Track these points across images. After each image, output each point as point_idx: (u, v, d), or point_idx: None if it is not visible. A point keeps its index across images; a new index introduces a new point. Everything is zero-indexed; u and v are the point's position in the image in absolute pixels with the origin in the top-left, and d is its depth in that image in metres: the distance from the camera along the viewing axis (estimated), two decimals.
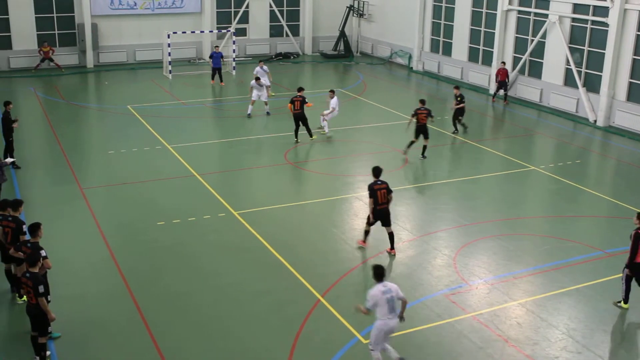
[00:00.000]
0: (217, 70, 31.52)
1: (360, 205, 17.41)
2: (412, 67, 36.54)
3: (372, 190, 14.55)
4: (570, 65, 27.45)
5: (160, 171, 19.92)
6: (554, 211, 18.06)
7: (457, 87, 24.79)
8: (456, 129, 24.41)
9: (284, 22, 39.75)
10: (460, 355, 11.39)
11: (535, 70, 29.46)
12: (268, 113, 26.25)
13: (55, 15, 34.02)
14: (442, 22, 34.60)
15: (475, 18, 32.43)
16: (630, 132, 24.89)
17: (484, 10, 31.76)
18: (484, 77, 31.70)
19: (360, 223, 16.05)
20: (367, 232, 15.15)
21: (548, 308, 12.89)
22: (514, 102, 29.36)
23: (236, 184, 19.41)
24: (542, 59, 28.91)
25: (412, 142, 21.47)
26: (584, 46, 26.87)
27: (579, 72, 27.12)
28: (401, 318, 10.70)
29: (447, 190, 19.17)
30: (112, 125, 25.06)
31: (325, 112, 23.86)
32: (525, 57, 29.58)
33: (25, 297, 11.50)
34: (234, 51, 34.78)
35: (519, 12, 29.85)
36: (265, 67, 28.30)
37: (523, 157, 21.88)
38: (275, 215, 17.02)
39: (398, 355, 10.70)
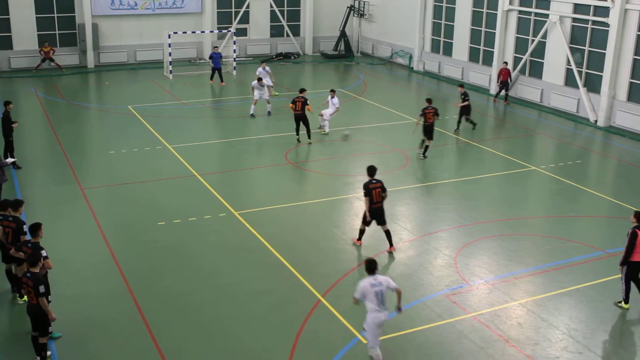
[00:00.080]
0: (217, 70, 31.55)
1: (361, 206, 17.36)
2: (412, 67, 36.54)
3: (368, 189, 14.63)
4: (570, 66, 27.44)
5: (160, 171, 19.92)
6: (554, 211, 18.05)
7: (461, 86, 24.95)
8: (458, 128, 24.53)
9: (284, 22, 39.75)
10: (461, 355, 11.39)
11: (535, 70, 29.45)
12: (269, 113, 26.25)
13: (55, 15, 34.03)
14: (443, 22, 34.60)
15: (476, 18, 32.43)
16: (630, 132, 24.88)
17: (485, 10, 31.76)
18: (485, 77, 31.69)
19: (361, 223, 16.02)
20: (362, 231, 15.21)
21: (549, 308, 12.89)
22: (515, 102, 29.35)
23: (237, 184, 19.41)
24: (543, 59, 28.91)
25: (423, 141, 21.64)
26: (585, 46, 26.86)
27: (580, 72, 27.11)
28: (399, 309, 10.83)
29: (448, 190, 19.17)
30: (112, 126, 25.06)
31: (325, 111, 23.88)
32: (525, 57, 29.57)
33: (25, 297, 11.52)
34: (234, 51, 34.80)
35: (520, 12, 29.84)
36: (267, 68, 28.34)
37: (524, 157, 21.88)
38: (276, 215, 17.02)
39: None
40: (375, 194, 14.63)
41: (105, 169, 20.28)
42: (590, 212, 18.03)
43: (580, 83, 27.01)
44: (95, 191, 18.35)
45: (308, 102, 22.53)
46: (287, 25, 39.89)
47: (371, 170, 14.89)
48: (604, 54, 25.83)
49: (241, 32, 38.44)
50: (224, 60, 33.80)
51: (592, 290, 13.56)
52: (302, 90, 22.90)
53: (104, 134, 24.36)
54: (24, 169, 19.73)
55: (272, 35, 39.71)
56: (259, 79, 26.07)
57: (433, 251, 15.24)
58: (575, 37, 27.30)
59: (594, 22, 26.33)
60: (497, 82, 29.65)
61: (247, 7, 38.36)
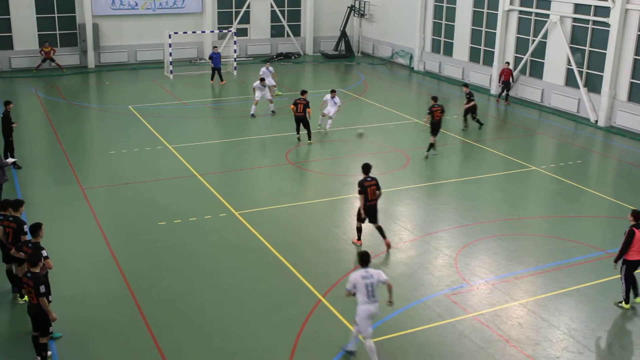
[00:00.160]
0: (216, 70, 31.57)
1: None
2: (413, 67, 36.54)
3: (363, 187, 14.71)
4: (571, 66, 27.44)
5: (161, 171, 19.92)
6: (555, 211, 18.05)
7: (466, 85, 25.11)
8: (466, 126, 24.82)
9: (285, 22, 39.75)
10: (462, 356, 11.39)
11: (536, 70, 29.44)
12: (273, 112, 26.27)
13: (56, 15, 34.03)
14: (443, 22, 34.59)
15: (477, 18, 32.42)
16: (631, 132, 24.87)
17: (485, 11, 31.75)
18: (485, 77, 31.69)
19: (362, 225, 16.02)
20: (359, 229, 15.26)
21: (549, 308, 12.89)
22: (515, 102, 29.34)
23: (237, 184, 19.41)
24: (543, 59, 28.90)
25: (430, 141, 21.78)
26: (585, 46, 26.85)
27: (580, 72, 27.10)
28: (390, 303, 10.93)
29: (448, 190, 19.17)
30: (113, 126, 25.07)
31: (328, 111, 23.91)
32: (526, 57, 29.57)
33: (26, 297, 11.53)
34: (235, 51, 34.80)
35: (520, 12, 29.83)
36: (270, 68, 28.50)
37: (524, 157, 21.88)
38: (276, 215, 17.02)
39: (354, 349, 10.90)
40: (370, 191, 14.74)
41: (106, 169, 20.29)
42: (590, 212, 18.02)
43: (580, 83, 27.00)
44: (95, 191, 18.35)
45: (309, 104, 22.54)
46: (288, 25, 39.89)
47: (366, 168, 14.96)
48: (605, 54, 25.82)
49: (242, 32, 38.44)
50: (224, 60, 33.84)
51: (593, 291, 13.56)
52: (303, 92, 22.91)
53: (105, 134, 24.37)
54: (25, 169, 19.74)
55: (272, 35, 39.71)
56: (262, 79, 26.10)
57: (433, 251, 15.24)
58: (576, 37, 27.29)
59: (594, 22, 26.32)
60: (499, 82, 29.64)
61: (248, 7, 38.36)
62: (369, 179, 14.81)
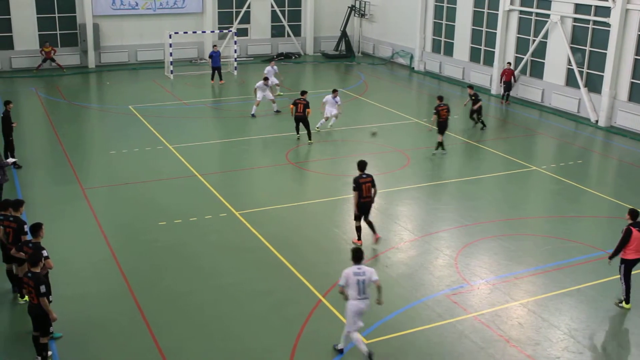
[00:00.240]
0: (216, 69, 31.59)
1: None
2: (413, 67, 36.54)
3: (358, 183, 14.78)
4: (571, 66, 27.43)
5: (161, 171, 19.93)
6: (555, 211, 18.04)
7: (470, 87, 25.19)
8: (476, 122, 25.12)
9: (285, 22, 39.75)
10: (462, 356, 11.39)
11: (536, 70, 29.43)
12: (278, 111, 26.26)
13: (57, 15, 34.04)
14: (444, 22, 34.59)
15: (477, 18, 32.42)
16: (631, 132, 24.86)
17: (486, 11, 31.74)
18: (486, 77, 31.68)
19: (362, 223, 16.00)
20: (358, 228, 15.28)
21: (549, 308, 12.88)
22: (516, 102, 29.34)
23: (237, 184, 19.41)
24: (544, 59, 28.89)
25: (438, 140, 21.90)
26: (586, 46, 26.85)
27: (581, 72, 27.09)
28: (379, 302, 11.00)
29: (449, 190, 19.17)
30: (113, 126, 25.08)
31: (330, 111, 23.93)
32: (526, 57, 29.56)
33: (26, 297, 11.53)
34: (235, 51, 34.80)
35: (521, 12, 29.83)
36: (275, 67, 28.80)
37: (524, 157, 21.87)
38: (277, 215, 17.02)
39: (367, 349, 10.88)
40: (365, 188, 14.83)
41: (106, 169, 20.29)
42: (591, 212, 18.02)
43: (581, 83, 26.99)
44: (96, 191, 18.35)
45: (309, 105, 22.55)
46: (288, 25, 39.89)
47: (361, 165, 15.06)
48: (605, 54, 25.82)
49: (242, 32, 38.45)
50: (224, 60, 33.85)
51: (593, 291, 13.56)
52: (303, 93, 22.94)
53: (105, 134, 24.37)
54: (25, 169, 19.74)
55: (273, 36, 39.71)
56: (265, 78, 26.16)
57: (434, 251, 15.24)
58: (576, 37, 27.29)
59: (595, 22, 26.32)
60: (500, 82, 29.65)
61: (248, 7, 38.36)
62: (364, 175, 14.91)
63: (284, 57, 38.93)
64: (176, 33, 33.52)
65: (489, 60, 31.75)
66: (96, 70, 34.45)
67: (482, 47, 32.20)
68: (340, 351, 11.26)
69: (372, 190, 14.94)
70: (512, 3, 30.01)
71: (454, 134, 24.23)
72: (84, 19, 34.15)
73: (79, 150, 21.86)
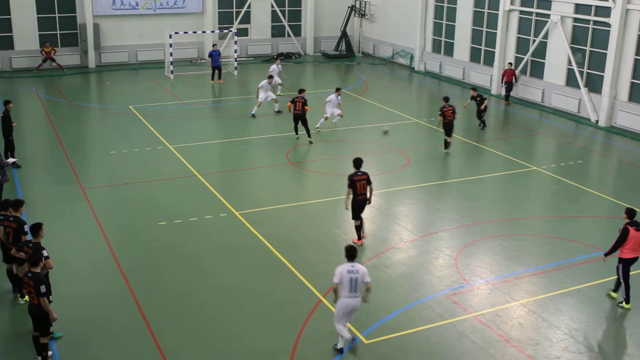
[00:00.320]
0: (216, 68, 31.61)
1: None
2: (413, 68, 36.53)
3: (352, 181, 14.86)
4: (572, 66, 27.43)
5: (161, 171, 19.93)
6: (555, 211, 18.04)
7: (474, 89, 25.20)
8: (484, 124, 25.24)
9: (285, 22, 39.75)
10: (462, 356, 11.39)
11: (537, 70, 29.43)
12: (279, 111, 26.26)
13: (57, 15, 34.04)
14: (444, 22, 34.58)
15: (477, 18, 32.41)
16: (632, 133, 24.86)
17: (486, 11, 31.74)
18: (486, 77, 31.68)
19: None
20: (357, 228, 15.28)
21: (550, 308, 12.88)
22: (516, 102, 29.33)
23: (238, 184, 19.41)
24: (544, 59, 28.89)
25: (446, 140, 21.93)
26: (586, 46, 26.85)
27: (581, 73, 27.09)
28: (364, 300, 11.09)
29: (449, 190, 19.17)
30: (113, 126, 25.08)
31: (328, 113, 23.97)
32: (527, 57, 29.56)
33: (27, 297, 11.53)
34: (235, 51, 34.81)
35: (521, 12, 29.83)
36: (279, 66, 29.09)
37: (525, 158, 21.87)
38: (277, 215, 17.02)
39: (350, 336, 11.06)
40: (359, 185, 14.89)
41: (106, 169, 20.29)
42: (591, 212, 18.01)
43: (581, 83, 26.99)
44: (96, 191, 18.36)
45: (307, 102, 22.59)
46: (288, 25, 39.89)
47: (357, 163, 15.16)
48: (605, 54, 25.82)
49: (242, 32, 38.44)
50: (224, 60, 33.85)
51: (593, 291, 13.56)
52: (301, 91, 23.03)
53: (105, 134, 24.37)
54: (25, 169, 19.74)
55: (273, 36, 39.71)
56: (270, 77, 26.21)
57: (434, 251, 15.23)
58: (577, 37, 27.28)
59: (595, 22, 26.31)
60: (502, 83, 29.65)
61: (248, 7, 38.36)
62: (359, 173, 14.99)
63: (284, 57, 38.93)
64: (176, 33, 33.52)
65: (489, 61, 31.74)
66: (96, 70, 34.45)
67: (483, 47, 32.20)
68: (340, 351, 11.26)
69: (368, 188, 14.97)
70: (512, 3, 30.00)
71: (454, 134, 24.19)
72: (84, 19, 34.15)
73: (79, 150, 21.86)
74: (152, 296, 13.07)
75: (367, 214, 16.79)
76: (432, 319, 12.45)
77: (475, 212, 17.42)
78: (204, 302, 12.94)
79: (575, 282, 13.86)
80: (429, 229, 16.47)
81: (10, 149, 19.85)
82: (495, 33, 30.93)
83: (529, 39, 29.51)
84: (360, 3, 39.79)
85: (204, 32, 35.95)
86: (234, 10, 38.21)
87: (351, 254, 10.97)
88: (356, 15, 40.27)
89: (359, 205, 15.08)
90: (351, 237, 15.62)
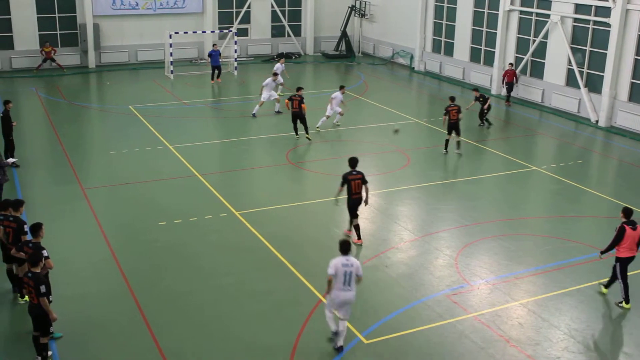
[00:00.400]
0: (216, 68, 31.61)
1: (362, 205, 17.36)
2: (413, 68, 36.53)
3: (346, 180, 15.01)
4: (572, 66, 27.43)
5: (161, 171, 19.93)
6: (555, 211, 18.04)
7: (476, 90, 25.25)
8: (490, 124, 25.40)
9: (285, 22, 39.75)
10: (462, 356, 11.39)
11: (537, 70, 29.43)
12: (279, 112, 26.26)
13: (57, 15, 34.04)
14: (444, 22, 34.59)
15: (477, 18, 32.41)
16: (632, 133, 24.86)
17: (486, 11, 31.74)
18: (486, 77, 31.68)
19: (362, 223, 16.04)
20: (357, 227, 15.34)
21: (549, 308, 12.88)
22: (516, 103, 29.33)
23: (238, 184, 19.41)
24: (544, 59, 28.89)
25: (447, 141, 22.02)
26: (586, 46, 26.85)
27: (581, 73, 27.09)
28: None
29: (449, 190, 19.16)
30: (113, 126, 25.08)
31: (329, 112, 24.01)
32: (527, 57, 29.56)
33: (27, 297, 11.53)
34: (235, 51, 34.81)
35: (521, 12, 29.83)
36: (283, 65, 29.21)
37: (525, 158, 21.87)
38: (277, 215, 17.02)
39: (335, 328, 11.27)
40: (354, 184, 15.00)
41: (106, 169, 20.29)
42: (591, 212, 18.02)
43: (581, 83, 26.99)
44: (96, 191, 18.35)
45: (304, 100, 22.65)
46: (288, 25, 39.89)
47: (352, 162, 15.26)
48: (605, 54, 25.82)
49: (242, 32, 38.45)
50: (224, 60, 33.86)
51: (593, 291, 13.56)
52: (299, 89, 23.15)
53: (105, 134, 24.38)
54: (25, 169, 19.74)
55: (273, 36, 39.71)
56: (275, 74, 26.27)
57: (434, 251, 15.23)
58: (577, 37, 27.29)
59: (595, 23, 26.31)
60: (503, 83, 29.65)
61: (248, 7, 38.36)
62: (354, 172, 15.07)
63: (284, 57, 38.89)
64: (176, 33, 33.52)
65: (489, 61, 31.74)
66: (96, 70, 34.45)
67: (483, 47, 32.20)
68: (340, 348, 11.25)
69: (363, 187, 15.01)
70: (512, 3, 30.00)
71: (454, 134, 24.20)
72: (84, 19, 34.15)
73: (79, 150, 21.86)
74: (152, 296, 13.07)
75: (367, 213, 16.83)
76: (432, 319, 12.46)
77: (475, 212, 17.42)
78: (204, 302, 12.94)
79: (575, 282, 13.86)
80: (429, 229, 16.47)
81: (10, 149, 19.85)
82: (495, 33, 30.93)
83: (529, 39, 29.51)
84: (360, 3, 39.79)
85: (204, 32, 35.95)
86: (234, 10, 38.21)
87: (345, 247, 11.16)
88: (356, 15, 40.28)
89: (353, 204, 15.15)
90: (351, 237, 15.60)
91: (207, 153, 22.04)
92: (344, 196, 15.31)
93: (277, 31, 39.79)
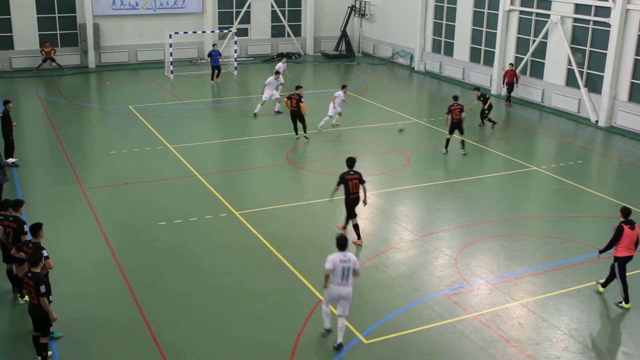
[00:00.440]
0: (216, 68, 31.61)
1: (361, 205, 17.36)
2: (413, 68, 36.53)
3: (343, 179, 15.06)
4: (572, 66, 27.43)
5: (161, 171, 19.93)
6: (555, 211, 18.04)
7: (477, 89, 25.31)
8: (494, 123, 25.46)
9: (285, 22, 39.75)
10: (462, 356, 11.39)
11: (537, 70, 29.43)
12: (279, 112, 26.25)
13: (57, 15, 34.04)
14: (444, 22, 34.59)
15: (477, 18, 32.41)
16: (631, 133, 24.86)
17: (486, 11, 31.74)
18: (486, 77, 31.68)
19: (362, 223, 16.05)
20: (356, 227, 15.37)
21: (549, 308, 12.88)
22: (516, 103, 29.32)
23: (237, 184, 19.41)
24: (544, 59, 28.89)
25: (448, 140, 22.03)
26: (586, 46, 26.85)
27: (581, 73, 27.09)
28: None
29: (449, 190, 19.16)
30: (113, 126, 25.08)
31: (331, 112, 24.07)
32: (527, 57, 29.56)
33: (26, 297, 11.53)
34: (235, 51, 34.80)
35: (521, 12, 29.83)
36: (284, 65, 29.19)
37: (525, 158, 21.87)
38: (277, 215, 17.02)
39: (329, 326, 11.54)
40: (352, 184, 15.05)
41: (106, 169, 20.29)
42: (591, 213, 18.02)
43: (581, 83, 26.99)
44: (96, 191, 18.35)
45: (302, 100, 22.68)
46: (288, 25, 39.89)
47: (349, 162, 15.31)
48: (605, 54, 25.82)
49: (242, 32, 38.44)
50: (224, 60, 33.85)
51: (593, 291, 13.56)
52: (297, 88, 23.22)
53: (105, 134, 24.37)
54: (25, 169, 19.74)
55: (273, 36, 39.71)
56: (277, 72, 26.27)
57: (434, 251, 15.23)
58: (577, 37, 27.29)
59: (595, 23, 26.31)
60: (503, 84, 29.65)
61: (248, 7, 38.35)
62: (351, 172, 15.11)
63: (284, 57, 38.88)
64: (176, 33, 33.52)
65: (489, 61, 31.74)
66: (96, 70, 34.45)
67: (482, 47, 32.20)
68: (340, 346, 11.25)
69: (361, 187, 15.01)
70: (512, 3, 30.01)
71: (455, 134, 24.19)
72: (84, 19, 34.14)
73: (79, 150, 21.86)
74: (152, 296, 13.07)
75: (367, 213, 16.84)
76: (432, 319, 12.46)
77: (475, 212, 17.42)
78: (204, 302, 12.94)
79: (575, 282, 13.86)
80: (429, 229, 16.47)
81: (10, 149, 19.85)
82: (495, 33, 30.92)
83: (529, 39, 29.51)
84: (360, 3, 39.79)
85: (204, 32, 35.95)
86: (234, 10, 38.21)
87: (342, 243, 11.24)
88: (356, 15, 40.27)
89: (351, 204, 15.17)
90: (351, 237, 15.59)
91: (207, 153, 22.04)
92: (339, 197, 15.33)
93: (277, 31, 39.79)
